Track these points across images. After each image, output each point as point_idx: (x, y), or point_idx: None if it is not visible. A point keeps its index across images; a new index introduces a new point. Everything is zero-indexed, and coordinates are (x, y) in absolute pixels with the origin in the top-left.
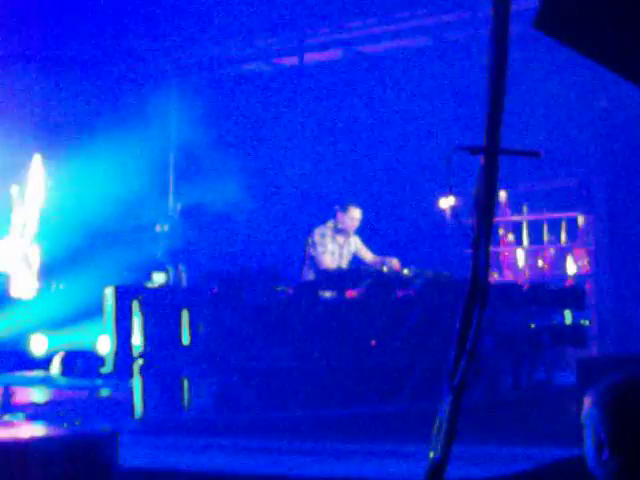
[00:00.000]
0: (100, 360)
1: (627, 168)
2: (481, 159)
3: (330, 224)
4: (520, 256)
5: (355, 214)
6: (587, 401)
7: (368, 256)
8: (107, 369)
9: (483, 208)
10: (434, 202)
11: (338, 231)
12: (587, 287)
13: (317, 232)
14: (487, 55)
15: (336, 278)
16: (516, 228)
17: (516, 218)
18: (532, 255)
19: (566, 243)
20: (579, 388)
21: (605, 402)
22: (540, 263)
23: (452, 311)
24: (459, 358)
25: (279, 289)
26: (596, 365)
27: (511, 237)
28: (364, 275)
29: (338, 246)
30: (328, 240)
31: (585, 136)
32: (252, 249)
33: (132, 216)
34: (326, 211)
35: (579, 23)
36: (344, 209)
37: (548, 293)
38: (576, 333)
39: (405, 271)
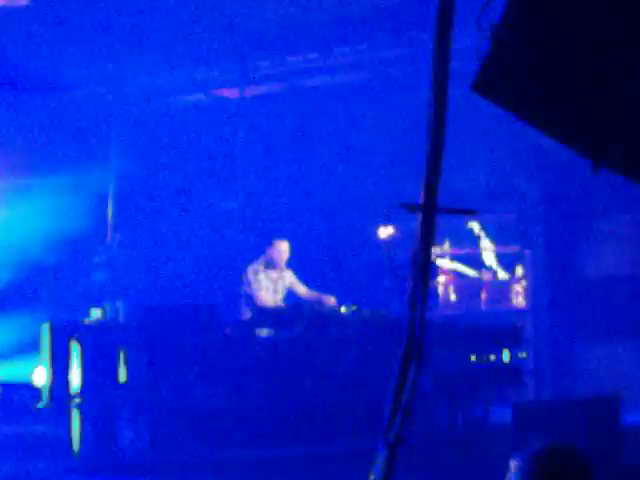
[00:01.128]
0: (36, 394)
1: (564, 203)
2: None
3: (261, 260)
4: (458, 290)
5: (281, 247)
6: (512, 465)
7: (302, 290)
8: (43, 404)
9: (419, 267)
10: (374, 232)
11: (269, 266)
12: (524, 322)
13: (250, 269)
14: (427, 113)
15: (273, 316)
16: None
17: (455, 252)
18: (470, 289)
19: (504, 278)
20: (515, 432)
21: (529, 469)
22: (478, 297)
23: (388, 351)
24: (394, 415)
25: (217, 328)
26: (531, 410)
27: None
28: (301, 314)
29: (272, 281)
30: (262, 276)
31: (522, 171)
32: (191, 284)
33: (70, 248)
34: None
35: (514, 88)
36: (271, 244)
37: (485, 332)
38: (512, 372)
39: (342, 309)
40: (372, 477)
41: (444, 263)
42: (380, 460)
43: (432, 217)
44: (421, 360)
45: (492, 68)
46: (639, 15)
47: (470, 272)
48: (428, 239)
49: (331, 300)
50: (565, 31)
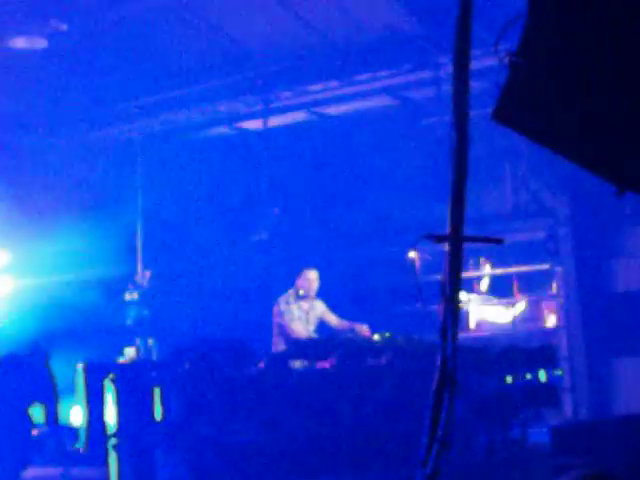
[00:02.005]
0: (74, 435)
1: (593, 219)
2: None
3: (291, 291)
4: (490, 311)
5: (310, 276)
6: None
7: (334, 320)
8: (80, 445)
9: (448, 297)
10: (402, 257)
11: (299, 297)
12: (558, 340)
13: (282, 300)
14: (450, 142)
15: (307, 348)
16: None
17: (485, 272)
18: (503, 310)
19: (536, 296)
20: (553, 454)
21: None
22: (511, 317)
23: (424, 378)
24: (431, 446)
25: (251, 362)
26: (569, 432)
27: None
28: (335, 345)
29: (304, 312)
30: (293, 307)
31: (550, 188)
32: (222, 318)
33: (102, 289)
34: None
35: (534, 116)
36: (300, 274)
37: (520, 354)
38: (549, 392)
39: (375, 337)
40: None
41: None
42: None
43: (459, 247)
44: (455, 391)
45: (511, 96)
46: None
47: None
48: (456, 269)
49: (364, 329)
50: (583, 57)
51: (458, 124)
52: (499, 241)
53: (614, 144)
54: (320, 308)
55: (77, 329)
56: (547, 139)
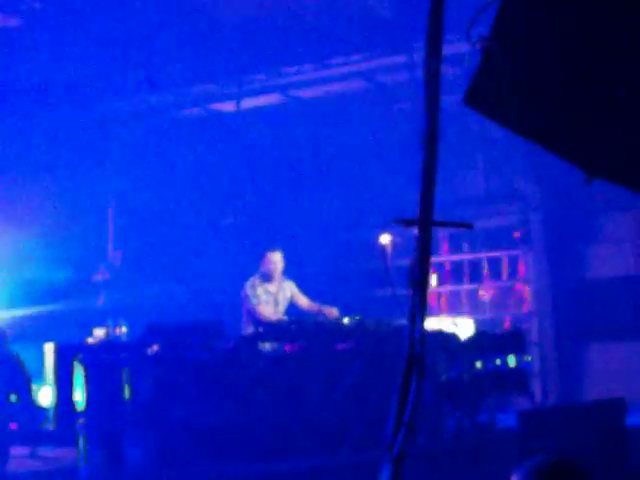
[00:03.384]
0: (42, 415)
1: (565, 205)
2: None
3: (258, 274)
4: (461, 295)
5: (273, 258)
6: (514, 478)
7: (304, 302)
8: (49, 425)
9: (417, 281)
10: (374, 241)
11: (268, 279)
12: (528, 325)
13: (247, 285)
14: (420, 122)
15: (276, 330)
16: (457, 267)
17: (456, 257)
18: (473, 294)
19: (507, 281)
20: (520, 439)
21: (532, 475)
22: (481, 301)
23: (393, 361)
24: (397, 430)
25: (219, 344)
26: (536, 417)
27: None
28: (304, 327)
29: (271, 294)
30: (260, 291)
31: (522, 174)
32: (193, 300)
33: (71, 267)
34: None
35: (505, 102)
36: (263, 257)
37: (489, 340)
38: (518, 378)
39: (345, 320)
40: None
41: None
42: (384, 476)
43: (429, 231)
44: (422, 375)
45: (483, 82)
46: (628, 24)
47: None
48: (425, 253)
49: (333, 311)
50: (556, 43)
51: (429, 106)
52: (469, 226)
53: (584, 131)
54: (290, 289)
55: (48, 309)
56: (517, 125)
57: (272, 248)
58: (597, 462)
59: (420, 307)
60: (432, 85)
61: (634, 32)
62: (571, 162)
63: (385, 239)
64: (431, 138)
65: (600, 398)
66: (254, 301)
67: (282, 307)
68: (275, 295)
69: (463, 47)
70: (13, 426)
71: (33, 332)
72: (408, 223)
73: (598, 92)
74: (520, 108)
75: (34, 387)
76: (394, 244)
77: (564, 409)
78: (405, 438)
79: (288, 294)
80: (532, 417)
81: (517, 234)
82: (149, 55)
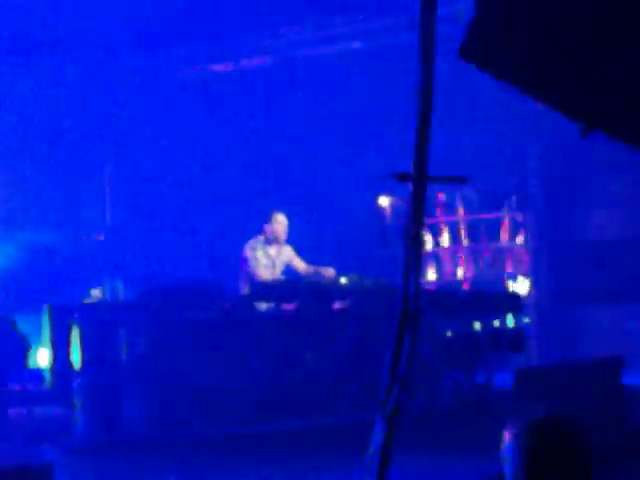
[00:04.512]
0: (40, 376)
1: (564, 169)
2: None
3: (260, 237)
4: (459, 256)
5: (280, 219)
6: (508, 435)
7: (301, 266)
8: (46, 385)
9: (412, 236)
10: (374, 201)
11: (269, 242)
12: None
13: (247, 247)
14: (415, 76)
15: (272, 290)
16: (453, 228)
17: (453, 218)
18: (471, 255)
19: (504, 243)
20: (516, 398)
21: (524, 439)
22: (479, 263)
23: (390, 320)
24: (391, 386)
25: (216, 304)
26: (532, 375)
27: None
28: (301, 287)
29: (270, 258)
30: (259, 253)
31: (522, 137)
32: (191, 262)
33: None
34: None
35: (501, 54)
36: (269, 218)
37: (486, 299)
38: (514, 338)
39: (342, 280)
40: (370, 449)
41: None
42: (377, 432)
43: (423, 186)
44: (417, 331)
45: (478, 33)
46: None
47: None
48: (419, 208)
49: (329, 272)
50: None
51: (424, 57)
52: (464, 180)
53: (581, 81)
54: (288, 253)
55: (45, 271)
56: (512, 76)
57: (278, 210)
58: (594, 420)
59: (415, 262)
60: (427, 35)
61: None
62: (567, 114)
63: (384, 201)
64: (426, 91)
65: (597, 356)
66: (252, 263)
67: (279, 270)
68: (274, 259)
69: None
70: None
71: (31, 294)
72: (402, 177)
73: (599, 43)
74: (516, 59)
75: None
76: (394, 206)
77: (561, 367)
78: (399, 394)
79: (286, 258)
80: (528, 375)
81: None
82: (147, 15)
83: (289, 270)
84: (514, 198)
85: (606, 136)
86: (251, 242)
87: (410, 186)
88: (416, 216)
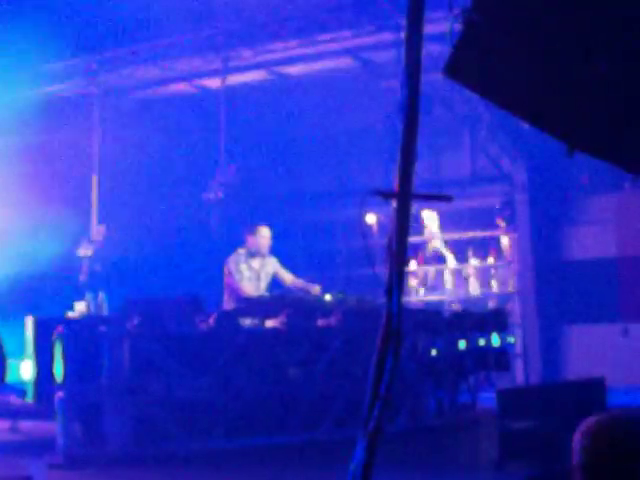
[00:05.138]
0: (23, 389)
1: (550, 187)
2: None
3: (242, 250)
4: (445, 275)
5: (264, 233)
6: (578, 432)
7: (287, 278)
8: (29, 399)
9: (395, 254)
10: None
11: (252, 255)
12: (511, 306)
13: (231, 260)
14: (401, 96)
15: (256, 306)
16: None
17: (439, 237)
18: (457, 274)
19: (491, 262)
20: (500, 417)
21: (588, 433)
22: (465, 282)
23: (374, 338)
24: (373, 403)
25: (200, 319)
26: (516, 395)
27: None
28: (285, 303)
29: (254, 271)
30: (243, 267)
31: (509, 156)
32: (175, 275)
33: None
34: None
35: (486, 72)
36: (252, 231)
37: (471, 318)
38: (499, 357)
39: (327, 297)
40: (352, 466)
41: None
42: (359, 449)
43: (407, 204)
44: (399, 348)
45: (464, 53)
46: None
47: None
48: (403, 226)
49: (315, 289)
50: (536, 14)
51: (410, 77)
52: (449, 199)
53: (565, 102)
54: (273, 266)
55: (30, 283)
56: (497, 95)
57: (262, 223)
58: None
59: (397, 280)
60: (413, 56)
61: (616, 6)
62: (551, 133)
63: (371, 219)
64: (411, 110)
65: (580, 378)
66: (237, 277)
67: (264, 284)
68: (258, 271)
69: (448, 25)
70: None
71: (15, 306)
72: (387, 196)
73: (580, 64)
74: (501, 79)
75: (15, 361)
76: (380, 224)
77: (544, 388)
78: (381, 412)
79: (271, 270)
80: (512, 395)
81: (502, 215)
82: (136, 28)
83: (275, 282)
84: (501, 218)
85: (588, 155)
86: (234, 255)
87: (394, 204)
88: (399, 234)
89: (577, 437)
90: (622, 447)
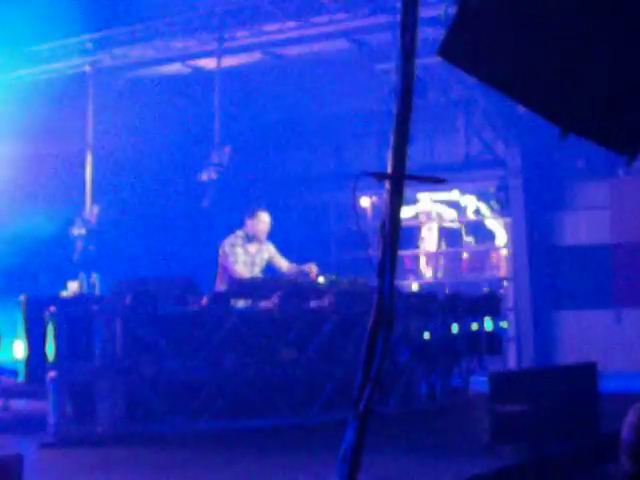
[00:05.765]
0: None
1: (544, 172)
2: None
3: (240, 233)
4: (438, 259)
5: (264, 218)
6: (631, 412)
7: (283, 264)
8: (20, 378)
9: (387, 235)
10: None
11: (250, 239)
12: (505, 290)
13: (227, 242)
14: (396, 77)
15: (249, 288)
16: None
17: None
18: (450, 258)
19: (484, 246)
20: (491, 400)
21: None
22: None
23: (366, 320)
24: (364, 385)
25: (192, 299)
26: (508, 379)
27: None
28: (277, 285)
29: (250, 255)
30: (239, 250)
31: (504, 141)
32: (169, 257)
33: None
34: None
35: (481, 54)
36: (252, 215)
37: (464, 302)
38: (492, 341)
39: (320, 279)
40: (342, 447)
41: (425, 204)
42: (350, 430)
43: (400, 185)
44: (391, 330)
45: (459, 34)
46: None
47: (450, 214)
48: (396, 207)
49: (312, 268)
50: None
51: (404, 60)
52: (441, 181)
53: (559, 85)
54: (269, 251)
55: (24, 263)
56: (491, 77)
57: (262, 208)
58: (569, 426)
59: (390, 262)
60: (408, 38)
61: None
62: (545, 116)
63: (365, 202)
64: (406, 92)
65: (572, 363)
66: (231, 259)
67: (258, 268)
68: (253, 256)
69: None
70: None
71: (9, 285)
72: (380, 177)
73: (575, 47)
74: (495, 60)
75: (8, 342)
76: (374, 206)
77: (536, 372)
78: (372, 394)
79: (266, 256)
80: (503, 379)
81: (495, 199)
82: (132, 7)
83: (270, 268)
84: (494, 202)
85: (582, 138)
86: (231, 238)
87: (387, 185)
88: (392, 216)
89: (630, 418)
90: None
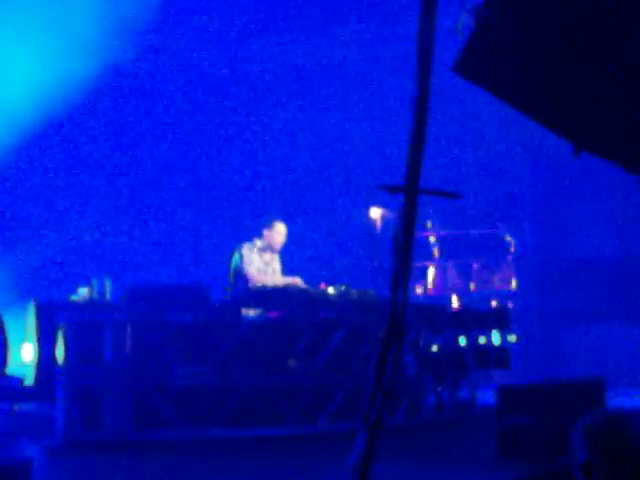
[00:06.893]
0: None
1: (554, 185)
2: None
3: (257, 242)
4: (448, 272)
5: (280, 229)
6: (575, 429)
7: (275, 278)
8: (29, 382)
9: (401, 248)
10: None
11: (264, 249)
12: (512, 305)
13: (245, 246)
14: (411, 87)
15: (260, 297)
16: (442, 244)
17: (441, 233)
18: (458, 271)
19: (492, 260)
20: (499, 413)
21: (585, 431)
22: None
23: (376, 331)
24: (375, 396)
25: (203, 307)
26: (515, 392)
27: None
28: (288, 295)
29: (264, 264)
30: (255, 256)
31: (513, 152)
32: (181, 263)
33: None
34: (254, 226)
35: (495, 70)
36: (269, 225)
37: (473, 315)
38: (500, 355)
39: (330, 290)
40: (352, 458)
41: None
42: (360, 441)
43: (414, 198)
44: (402, 342)
45: (474, 50)
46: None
47: None
48: (410, 220)
49: (297, 281)
50: (550, 14)
51: (420, 72)
52: (456, 196)
53: (573, 103)
54: (277, 263)
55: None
56: (506, 94)
57: (279, 219)
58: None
59: (402, 273)
60: (424, 51)
61: (630, 9)
62: (559, 133)
63: (376, 213)
64: (421, 104)
65: (579, 377)
66: (246, 260)
67: (271, 277)
68: (267, 265)
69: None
70: None
71: (20, 288)
72: (394, 190)
73: (590, 66)
74: (510, 77)
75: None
76: (385, 218)
77: (543, 387)
78: (382, 405)
79: (277, 268)
80: (511, 393)
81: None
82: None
83: None
84: (504, 215)
85: (595, 156)
86: (249, 243)
87: (401, 198)
88: (405, 228)
89: (575, 436)
90: (619, 446)
